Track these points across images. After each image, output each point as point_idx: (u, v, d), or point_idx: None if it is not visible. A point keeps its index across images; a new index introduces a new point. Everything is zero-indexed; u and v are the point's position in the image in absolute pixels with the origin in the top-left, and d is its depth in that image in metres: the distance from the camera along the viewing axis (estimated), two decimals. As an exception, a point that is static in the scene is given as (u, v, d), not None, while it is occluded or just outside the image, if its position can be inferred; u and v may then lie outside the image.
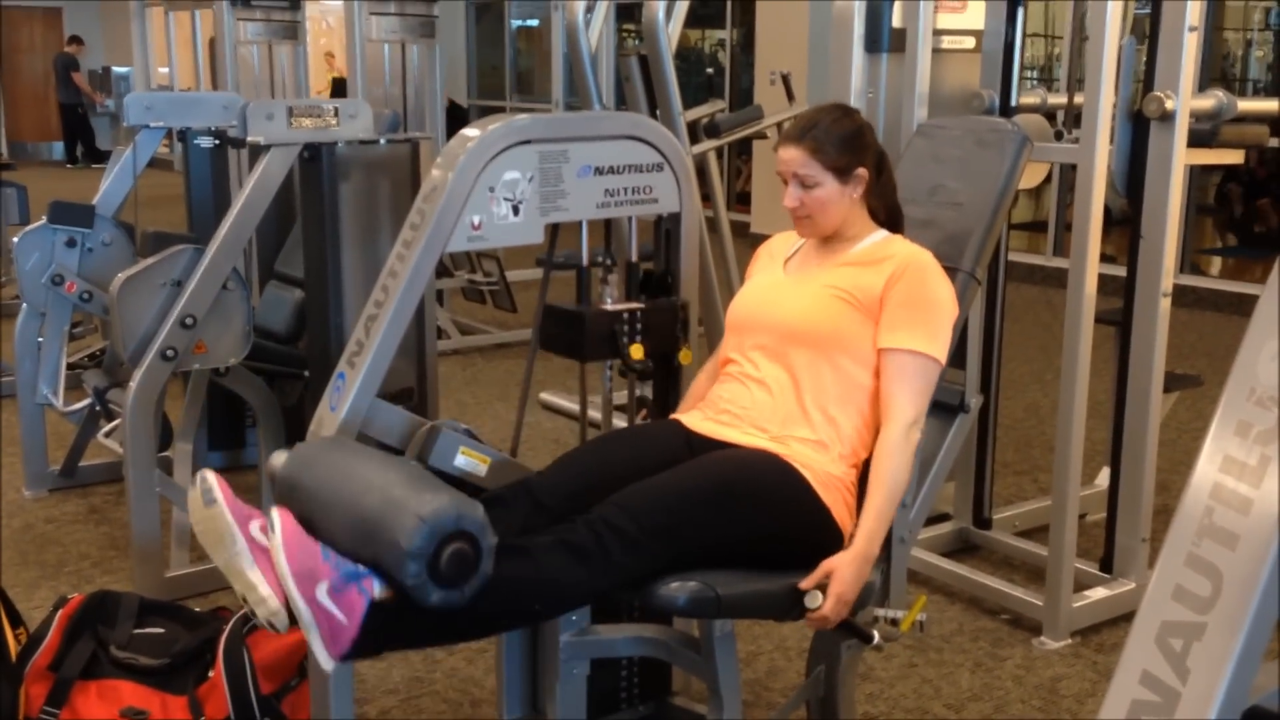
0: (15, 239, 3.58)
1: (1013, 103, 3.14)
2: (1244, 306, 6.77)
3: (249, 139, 3.00)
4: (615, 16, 5.55)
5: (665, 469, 1.89)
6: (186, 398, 3.43)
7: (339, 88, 11.08)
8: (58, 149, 16.21)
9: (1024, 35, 3.15)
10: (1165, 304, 2.80)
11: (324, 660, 1.60)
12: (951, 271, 2.07)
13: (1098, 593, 2.95)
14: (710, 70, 11.23)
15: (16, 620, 2.40)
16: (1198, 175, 7.32)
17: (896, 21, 3.26)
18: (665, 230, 2.29)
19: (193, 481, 1.70)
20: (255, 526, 1.65)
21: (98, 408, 3.46)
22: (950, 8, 3.27)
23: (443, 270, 5.62)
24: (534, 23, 13.21)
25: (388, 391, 2.01)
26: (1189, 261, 7.36)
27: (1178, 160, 2.72)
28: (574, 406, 4.66)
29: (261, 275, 3.99)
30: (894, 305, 1.95)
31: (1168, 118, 2.69)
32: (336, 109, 3.10)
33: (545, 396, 4.88)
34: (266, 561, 1.62)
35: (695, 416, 2.07)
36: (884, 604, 1.98)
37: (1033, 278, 7.70)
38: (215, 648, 2.29)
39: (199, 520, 1.69)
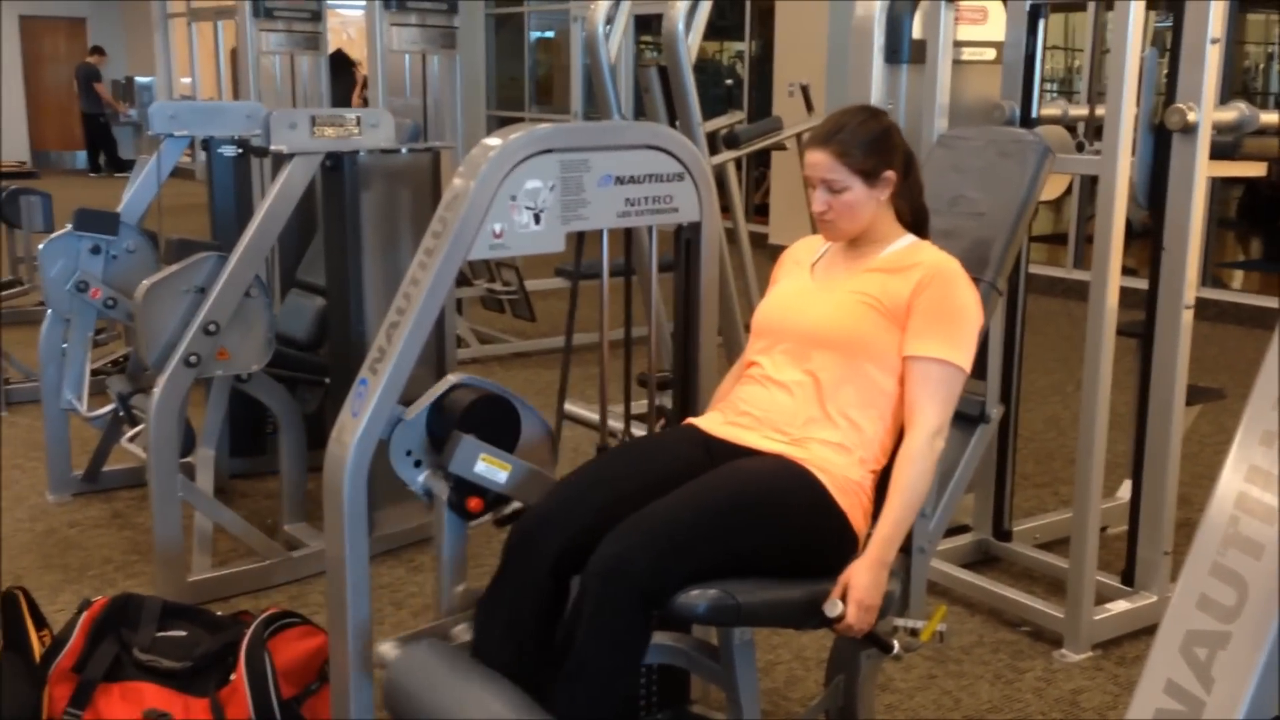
0: (40, 246, 3.62)
1: (1034, 114, 3.14)
2: (1266, 320, 6.73)
3: (272, 148, 3.02)
4: (634, 28, 5.58)
5: (685, 479, 1.90)
6: (209, 404, 3.45)
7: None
8: (81, 158, 16.35)
9: (1044, 47, 3.15)
10: (1188, 316, 2.79)
11: None
12: (973, 282, 2.07)
13: (1119, 605, 2.93)
14: (729, 81, 11.25)
15: (41, 622, 2.42)
16: (1219, 188, 7.29)
17: (917, 33, 3.27)
18: (685, 240, 2.30)
19: None
20: None
21: (121, 413, 3.48)
22: (971, 19, 3.27)
23: (462, 279, 5.64)
24: (552, 34, 13.27)
25: (408, 399, 2.03)
26: (1210, 275, 7.33)
27: (1200, 172, 2.71)
28: (593, 416, 4.67)
29: (283, 283, 4.03)
30: (921, 313, 1.95)
31: (1190, 130, 2.68)
32: (359, 118, 3.13)
33: (564, 406, 4.88)
34: None
35: (715, 419, 2.07)
36: (904, 614, 1.98)
37: (1053, 290, 7.67)
38: (237, 651, 2.30)
39: None
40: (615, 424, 3.26)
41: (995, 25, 3.28)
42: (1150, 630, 2.92)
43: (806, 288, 2.11)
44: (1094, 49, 8.18)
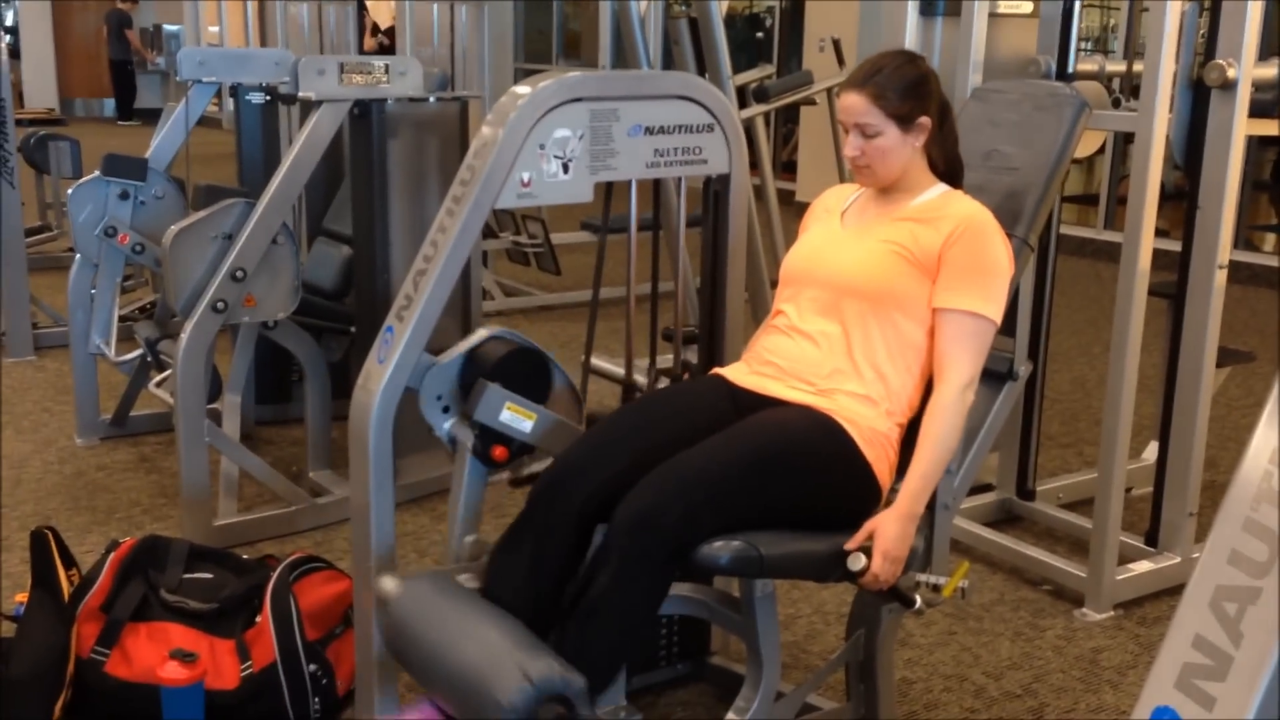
0: (69, 191, 3.64)
1: (1070, 69, 3.09)
2: (1298, 284, 6.65)
3: (300, 95, 3.01)
4: (665, -21, 5.51)
5: (712, 430, 1.90)
6: (235, 351, 3.48)
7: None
8: (109, 105, 16.36)
9: (1081, 2, 3.10)
10: (1221, 277, 2.75)
11: None
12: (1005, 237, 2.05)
13: (1142, 566, 2.93)
14: (759, 35, 11.13)
15: (70, 562, 2.45)
16: (1253, 149, 7.17)
17: (952, -16, 3.22)
18: (714, 192, 2.28)
19: None
20: None
21: (149, 358, 3.51)
22: (1008, -29, 3.22)
23: (487, 232, 5.63)
24: (581, -14, 13.13)
25: (433, 349, 2.03)
26: (1242, 237, 7.23)
27: (1238, 130, 2.67)
28: (617, 370, 4.67)
29: (310, 232, 4.03)
30: (952, 265, 1.93)
31: (1229, 86, 2.64)
32: (387, 66, 3.11)
33: (591, 360, 4.88)
34: None
35: (740, 370, 2.07)
36: (926, 570, 1.98)
37: (1082, 251, 7.60)
38: (262, 594, 2.33)
39: None
40: (640, 379, 3.26)
41: (1033, -23, 3.23)
42: (1173, 591, 2.93)
43: (836, 235, 2.09)
44: (1131, 4, 8.04)
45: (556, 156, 2.01)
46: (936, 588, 1.91)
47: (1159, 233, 2.75)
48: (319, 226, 3.99)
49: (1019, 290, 2.83)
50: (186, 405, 2.98)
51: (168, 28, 16.02)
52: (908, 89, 1.97)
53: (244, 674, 2.27)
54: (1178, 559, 2.94)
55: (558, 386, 2.11)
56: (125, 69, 15.64)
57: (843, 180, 2.13)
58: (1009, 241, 2.01)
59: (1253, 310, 6.15)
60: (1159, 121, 2.67)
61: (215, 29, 12.60)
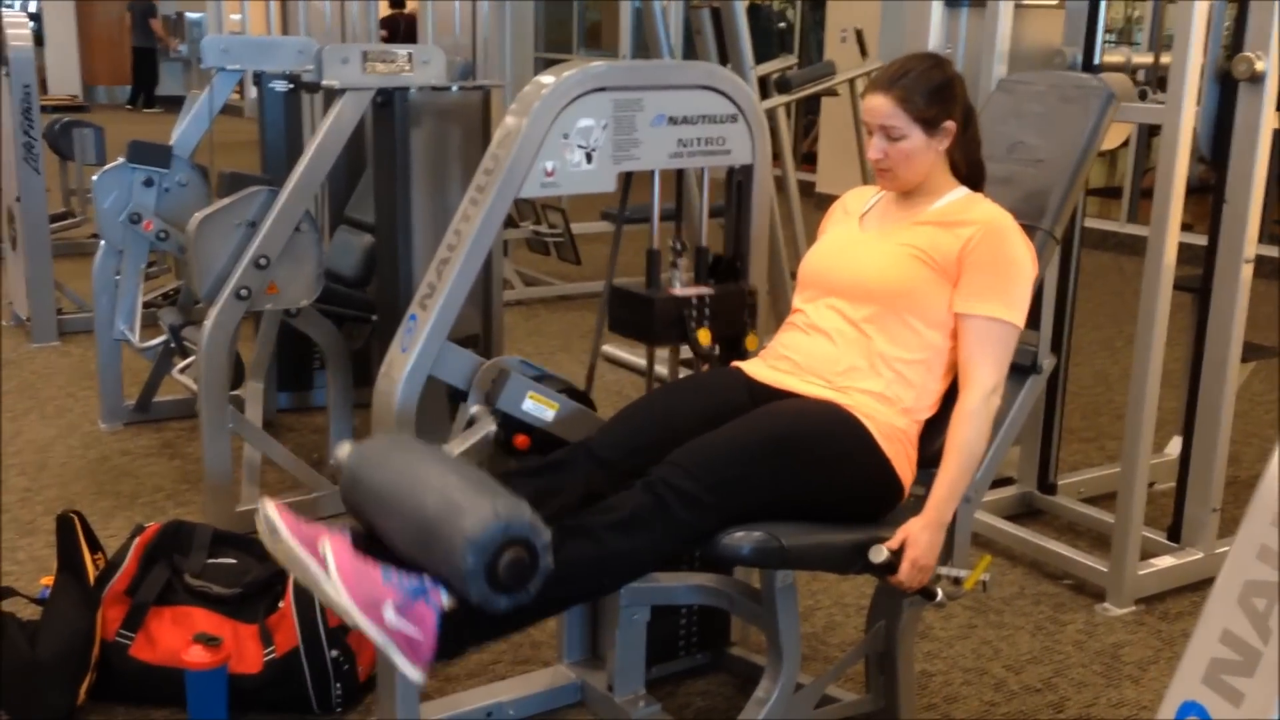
0: (94, 178, 3.66)
1: (1096, 61, 3.07)
2: (1323, 279, 6.59)
3: (324, 83, 3.02)
4: (687, -31, 5.50)
5: (728, 419, 1.90)
6: (258, 338, 3.50)
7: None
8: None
9: (1109, -7, 3.08)
10: (1247, 271, 2.74)
11: (412, 675, 1.60)
12: (1030, 230, 2.03)
13: (1164, 561, 2.91)
14: (782, 25, 11.08)
15: (95, 546, 2.47)
16: (1278, 144, 7.11)
17: (978, -25, 3.19)
18: (737, 183, 2.28)
19: (257, 516, 1.66)
20: (326, 546, 1.61)
21: (173, 345, 3.53)
22: (1034, -38, 3.20)
23: (508, 221, 5.61)
24: (603, -25, 13.11)
25: (454, 337, 2.03)
26: (1268, 232, 7.16)
27: (1266, 123, 2.65)
28: (636, 360, 4.67)
29: (332, 220, 4.04)
30: (973, 270, 1.92)
31: (1257, 79, 2.62)
32: (410, 55, 3.11)
33: (608, 349, 4.89)
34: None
35: (757, 364, 2.07)
36: (947, 563, 1.98)
37: (1105, 244, 7.55)
38: (285, 580, 2.34)
39: (273, 552, 1.65)
40: (661, 369, 3.26)
41: (1058, -31, 3.21)
42: (1195, 587, 2.91)
43: (855, 238, 2.08)
44: (1157, -3, 7.96)
45: (580, 146, 2.01)
46: (958, 581, 1.91)
47: (1183, 227, 2.73)
48: (341, 215, 4.00)
49: (1044, 282, 2.82)
50: (209, 391, 2.99)
51: (190, 15, 16.07)
52: (934, 92, 1.96)
53: (267, 658, 2.29)
54: (1200, 554, 2.92)
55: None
56: (149, 56, 15.70)
57: (864, 178, 2.12)
58: (1032, 236, 2.00)
59: (1276, 305, 6.09)
60: (1186, 114, 2.65)
61: (237, 17, 12.64)
